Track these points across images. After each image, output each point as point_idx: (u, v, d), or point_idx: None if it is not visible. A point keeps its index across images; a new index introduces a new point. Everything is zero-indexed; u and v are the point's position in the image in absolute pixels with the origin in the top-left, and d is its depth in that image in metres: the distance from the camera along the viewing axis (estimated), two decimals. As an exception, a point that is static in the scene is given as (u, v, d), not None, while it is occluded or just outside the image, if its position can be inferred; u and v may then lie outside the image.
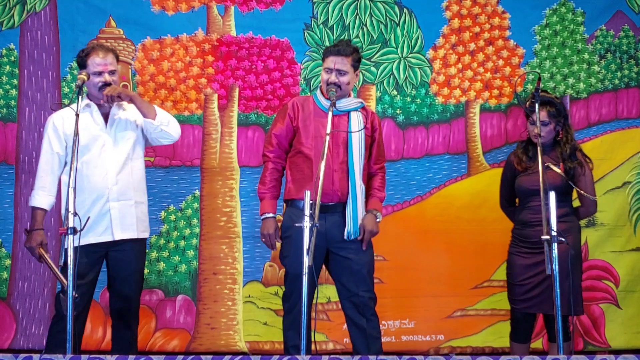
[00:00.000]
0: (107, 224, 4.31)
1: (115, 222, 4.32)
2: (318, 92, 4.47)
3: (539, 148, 4.23)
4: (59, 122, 4.38)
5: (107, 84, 4.33)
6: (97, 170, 4.29)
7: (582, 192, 4.60)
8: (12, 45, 5.48)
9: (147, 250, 4.66)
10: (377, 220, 4.40)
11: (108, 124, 4.38)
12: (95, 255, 4.31)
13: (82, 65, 4.37)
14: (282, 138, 4.43)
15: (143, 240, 4.49)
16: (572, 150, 4.61)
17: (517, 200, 4.82)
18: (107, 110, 4.41)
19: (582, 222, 5.50)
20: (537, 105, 4.31)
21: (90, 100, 4.40)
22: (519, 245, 4.62)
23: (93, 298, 4.49)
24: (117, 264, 4.37)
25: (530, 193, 4.54)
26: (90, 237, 4.25)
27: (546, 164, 4.51)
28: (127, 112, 4.47)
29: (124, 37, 5.51)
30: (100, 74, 4.32)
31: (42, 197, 4.34)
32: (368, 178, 4.50)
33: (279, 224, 4.44)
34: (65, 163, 4.36)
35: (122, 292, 4.38)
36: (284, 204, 4.49)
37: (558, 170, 4.55)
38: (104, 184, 4.30)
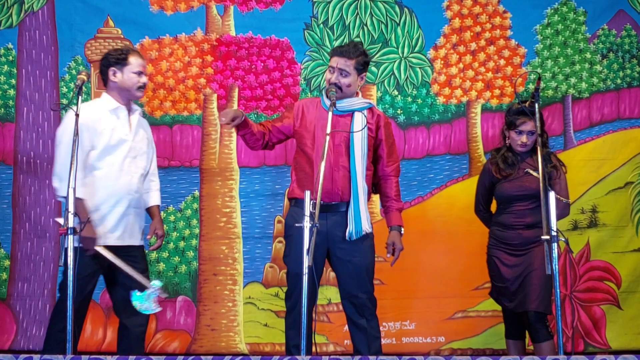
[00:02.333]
0: (124, 229, 4.30)
1: (134, 229, 4.36)
2: (323, 92, 4.45)
3: (538, 149, 4.19)
4: (89, 119, 4.23)
5: (144, 85, 4.41)
6: (122, 174, 4.29)
7: (557, 195, 4.58)
8: (10, 45, 5.47)
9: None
10: (401, 235, 4.40)
11: (132, 131, 4.39)
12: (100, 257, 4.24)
13: (120, 63, 4.33)
14: (278, 130, 4.43)
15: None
16: (547, 154, 4.62)
17: (492, 205, 4.84)
18: (129, 116, 4.42)
19: (584, 223, 5.47)
20: (537, 105, 4.28)
21: (117, 99, 4.36)
22: (500, 247, 4.64)
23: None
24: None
25: (514, 199, 4.60)
26: (110, 240, 4.24)
27: (525, 170, 4.58)
28: (143, 125, 4.51)
29: (122, 36, 5.49)
30: (140, 74, 4.37)
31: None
32: (382, 182, 4.48)
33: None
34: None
35: (128, 284, 4.24)
36: (289, 203, 4.47)
37: (538, 176, 4.53)
38: (127, 189, 4.31)
